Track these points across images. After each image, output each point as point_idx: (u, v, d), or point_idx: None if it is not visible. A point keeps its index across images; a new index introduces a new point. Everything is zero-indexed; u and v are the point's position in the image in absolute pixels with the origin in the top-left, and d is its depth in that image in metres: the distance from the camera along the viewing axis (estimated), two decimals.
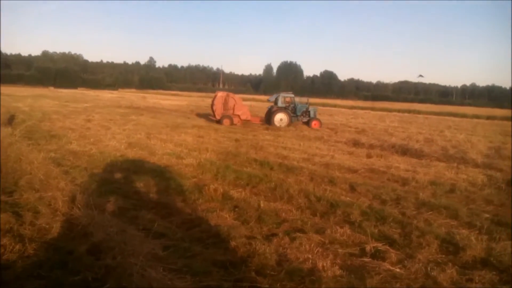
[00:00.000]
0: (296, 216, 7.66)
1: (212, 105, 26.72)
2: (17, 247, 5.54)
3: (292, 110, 26.92)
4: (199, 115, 32.47)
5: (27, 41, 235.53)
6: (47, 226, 6.43)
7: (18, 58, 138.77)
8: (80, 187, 8.29)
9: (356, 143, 18.50)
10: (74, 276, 4.87)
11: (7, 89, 67.92)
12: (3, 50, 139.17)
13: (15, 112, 26.24)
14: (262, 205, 8.09)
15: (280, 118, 26.14)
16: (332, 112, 47.25)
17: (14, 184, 8.68)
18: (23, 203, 7.46)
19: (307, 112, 27.22)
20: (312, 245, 6.12)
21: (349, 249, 6.23)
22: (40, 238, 6.04)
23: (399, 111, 59.74)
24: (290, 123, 26.15)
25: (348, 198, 8.89)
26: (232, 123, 25.42)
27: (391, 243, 6.53)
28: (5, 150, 11.40)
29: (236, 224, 7.11)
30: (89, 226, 6.01)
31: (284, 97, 27.26)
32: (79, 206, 6.82)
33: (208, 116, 28.87)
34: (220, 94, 26.66)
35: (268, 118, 26.77)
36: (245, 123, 26.46)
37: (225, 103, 25.99)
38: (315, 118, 26.93)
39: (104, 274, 4.78)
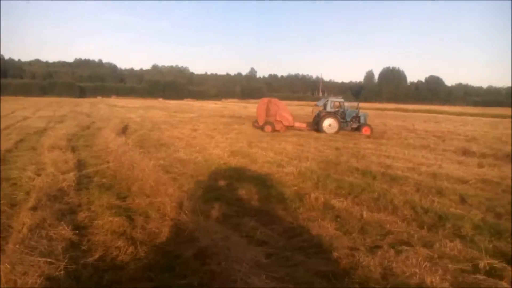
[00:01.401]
0: (401, 228, 7.33)
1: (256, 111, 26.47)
2: (130, 249, 5.91)
3: (341, 116, 25.92)
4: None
5: (139, 56, 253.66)
6: (157, 230, 6.80)
7: (131, 72, 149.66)
8: (187, 194, 8.63)
9: (465, 152, 17.38)
10: (181, 279, 5.08)
11: (121, 101, 73.52)
12: (119, 66, 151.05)
13: (128, 122, 28.19)
14: (365, 215, 7.87)
15: (329, 123, 25.20)
16: (439, 119, 44.87)
17: (127, 190, 9.31)
18: (135, 208, 7.97)
19: (357, 118, 26.07)
20: (420, 259, 5.78)
21: (460, 264, 5.82)
22: (150, 242, 6.39)
23: None
24: (339, 129, 25.18)
25: (458, 211, 8.34)
26: (274, 130, 24.87)
27: (509, 260, 5.99)
28: (119, 158, 12.26)
29: (338, 235, 6.98)
30: (196, 232, 6.23)
31: (334, 102, 26.34)
32: (186, 211, 7.11)
33: (254, 123, 28.48)
34: (262, 100, 26.25)
35: (316, 124, 25.87)
36: (291, 128, 26.02)
37: (268, 109, 25.39)
38: (365, 124, 25.73)
39: (209, 279, 4.92)
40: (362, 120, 26.02)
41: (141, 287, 4.92)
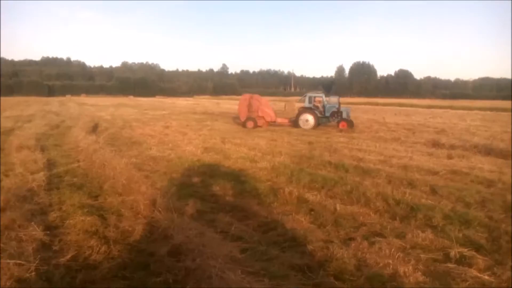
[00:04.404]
0: (374, 220, 7.44)
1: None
2: (103, 248, 5.83)
3: (321, 111, 25.66)
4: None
5: (109, 53, 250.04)
6: (130, 229, 6.71)
7: (100, 70, 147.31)
8: (160, 191, 8.55)
9: (435, 144, 17.69)
10: (156, 277, 5.05)
11: (91, 99, 72.36)
12: (88, 63, 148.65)
13: (98, 120, 27.76)
14: (338, 208, 7.95)
15: (306, 119, 25.05)
16: (409, 112, 45.67)
17: (99, 188, 9.18)
18: (107, 207, 7.86)
19: (338, 113, 25.40)
20: (393, 250, 5.89)
21: (432, 254, 5.94)
22: (124, 240, 6.31)
23: (480, 109, 56.69)
24: (316, 125, 24.93)
25: (429, 201, 8.49)
26: (256, 126, 24.81)
27: (478, 248, 6.16)
28: (90, 156, 12.07)
29: (312, 228, 7.03)
30: (169, 229, 6.18)
31: (313, 97, 26.11)
32: (160, 209, 7.03)
33: (236, 120, 28.62)
34: (243, 96, 26.39)
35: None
36: (273, 124, 26.03)
37: (249, 105, 25.44)
38: (344, 119, 25.16)
39: (184, 276, 4.90)
40: (344, 115, 25.26)
41: (115, 286, 4.86)
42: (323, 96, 26.50)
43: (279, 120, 26.30)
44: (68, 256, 5.59)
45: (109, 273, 5.19)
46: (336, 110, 25.57)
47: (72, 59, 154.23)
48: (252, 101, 25.65)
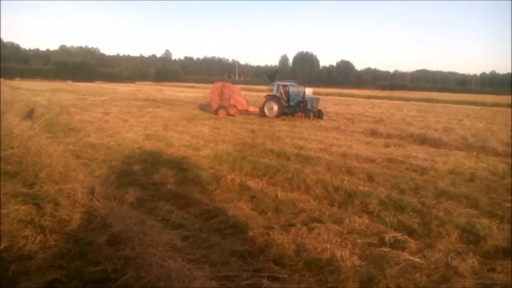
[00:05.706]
0: (313, 206, 7.64)
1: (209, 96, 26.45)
2: (39, 238, 5.61)
3: (286, 100, 25.61)
4: None
5: (46, 36, 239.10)
6: (67, 218, 6.49)
7: (36, 53, 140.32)
8: (99, 179, 8.35)
9: (373, 133, 18.33)
10: (94, 266, 4.92)
11: (26, 84, 68.97)
12: (22, 46, 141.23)
13: (34, 105, 26.55)
14: (279, 195, 8.10)
15: (270, 107, 25.31)
16: (349, 102, 46.89)
17: (34, 177, 8.78)
18: (43, 195, 7.54)
19: (303, 103, 24.79)
20: (330, 235, 6.09)
21: (367, 239, 6.19)
22: (61, 229, 6.10)
23: (417, 100, 59.23)
24: (279, 113, 24.95)
25: (366, 188, 8.83)
26: (228, 114, 24.82)
27: (410, 232, 6.49)
28: (25, 143, 11.55)
29: (253, 215, 7.13)
30: (108, 217, 6.05)
31: (280, 86, 26.14)
32: (98, 197, 6.86)
33: (207, 108, 28.57)
34: (215, 85, 26.29)
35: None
36: (245, 113, 26.04)
37: (221, 93, 25.32)
38: (308, 109, 24.87)
39: (123, 264, 4.81)
40: (309, 105, 24.95)
41: (51, 276, 4.71)
42: (289, 86, 26.15)
43: (251, 108, 26.22)
44: (1, 247, 5.36)
45: (45, 263, 5.02)
46: (301, 100, 25.05)
47: (5, 40, 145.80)
48: (224, 89, 25.42)
